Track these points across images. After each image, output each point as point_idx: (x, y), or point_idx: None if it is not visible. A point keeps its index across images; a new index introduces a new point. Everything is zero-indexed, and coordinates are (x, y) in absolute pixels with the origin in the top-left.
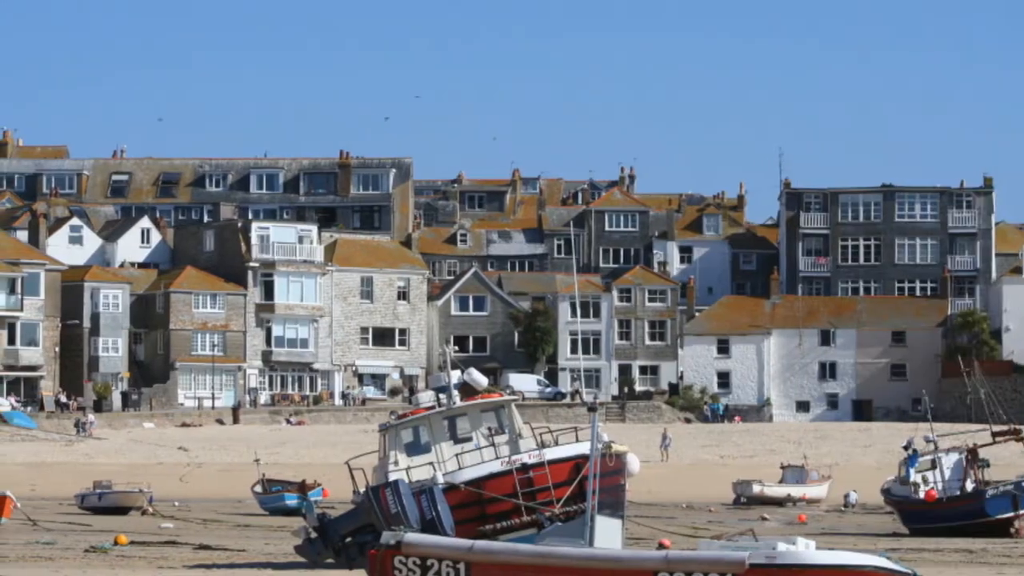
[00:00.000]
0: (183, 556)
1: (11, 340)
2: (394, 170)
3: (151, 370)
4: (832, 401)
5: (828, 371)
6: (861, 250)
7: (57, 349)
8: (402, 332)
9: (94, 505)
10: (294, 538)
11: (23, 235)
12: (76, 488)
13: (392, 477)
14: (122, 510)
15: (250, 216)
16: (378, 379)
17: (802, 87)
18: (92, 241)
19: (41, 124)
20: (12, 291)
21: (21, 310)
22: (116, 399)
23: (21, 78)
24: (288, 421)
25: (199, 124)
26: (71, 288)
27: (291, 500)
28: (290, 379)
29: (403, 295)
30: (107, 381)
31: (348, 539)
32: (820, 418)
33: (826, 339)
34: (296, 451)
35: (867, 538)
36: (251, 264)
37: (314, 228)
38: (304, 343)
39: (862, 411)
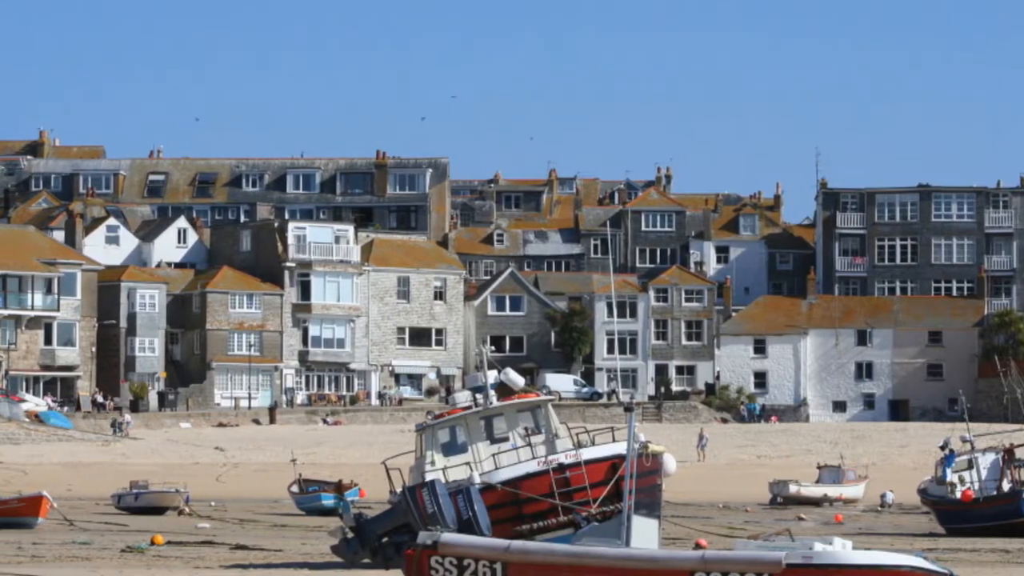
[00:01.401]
0: (220, 556)
1: (48, 340)
2: (430, 170)
3: (187, 370)
4: (868, 401)
5: (864, 371)
6: (898, 250)
7: (94, 349)
8: (439, 332)
9: (130, 505)
10: (331, 538)
11: (60, 235)
12: (112, 488)
13: (429, 477)
14: (158, 510)
15: (287, 216)
16: (415, 379)
17: (839, 87)
18: (129, 241)
19: (78, 124)
20: (49, 291)
21: (58, 310)
22: (152, 399)
23: (57, 78)
24: (325, 421)
25: (236, 124)
26: (108, 288)
27: (327, 500)
28: (327, 379)
29: (440, 295)
30: (143, 381)
31: (385, 539)
32: (856, 418)
33: (862, 339)
34: (332, 451)
35: (903, 538)
36: (288, 264)
37: (351, 228)
38: (341, 343)
39: (898, 411)
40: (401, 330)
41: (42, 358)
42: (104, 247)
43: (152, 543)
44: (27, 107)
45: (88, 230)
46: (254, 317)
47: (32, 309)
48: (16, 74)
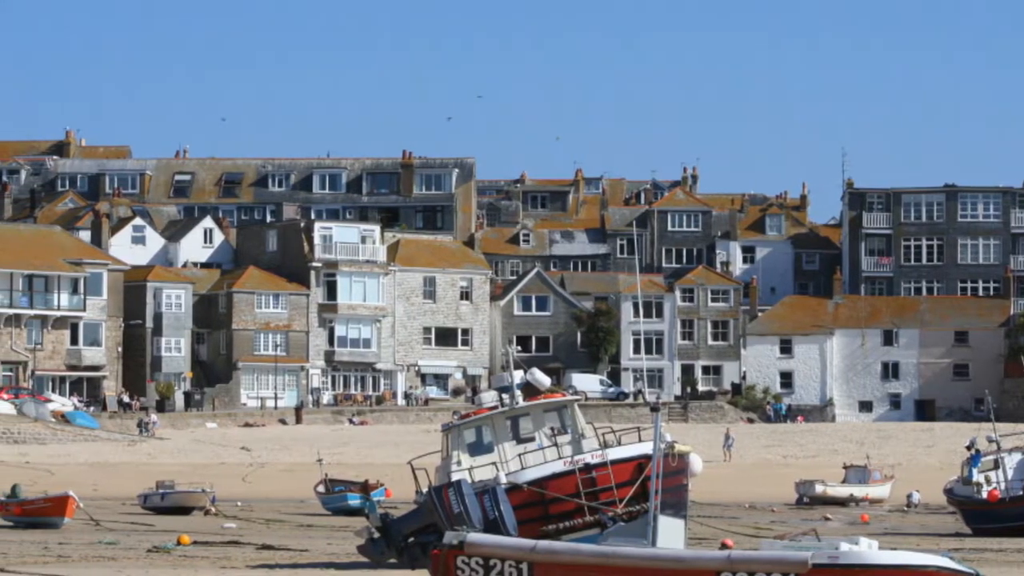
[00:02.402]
0: (246, 556)
1: (74, 340)
2: (457, 170)
3: (214, 370)
4: (895, 401)
5: (891, 371)
6: (924, 250)
7: (120, 349)
8: (465, 332)
9: (157, 505)
10: (357, 538)
11: (86, 235)
12: (138, 488)
13: (455, 477)
14: (185, 510)
15: (313, 216)
16: (441, 379)
17: (865, 87)
18: (155, 241)
19: (104, 124)
20: (75, 291)
21: (84, 310)
22: (179, 399)
23: (84, 78)
24: (351, 421)
25: (262, 124)
26: (134, 288)
27: (354, 500)
28: (353, 379)
29: (466, 295)
30: (169, 381)
31: (411, 539)
32: (883, 418)
33: (889, 339)
34: (359, 451)
35: (930, 538)
36: (314, 264)
37: (377, 228)
38: (367, 343)
39: (925, 411)
40: (427, 330)
41: (68, 358)
42: (130, 247)
43: (178, 543)
44: (53, 107)
45: (114, 230)
46: (280, 317)
47: (58, 309)
48: (42, 74)
